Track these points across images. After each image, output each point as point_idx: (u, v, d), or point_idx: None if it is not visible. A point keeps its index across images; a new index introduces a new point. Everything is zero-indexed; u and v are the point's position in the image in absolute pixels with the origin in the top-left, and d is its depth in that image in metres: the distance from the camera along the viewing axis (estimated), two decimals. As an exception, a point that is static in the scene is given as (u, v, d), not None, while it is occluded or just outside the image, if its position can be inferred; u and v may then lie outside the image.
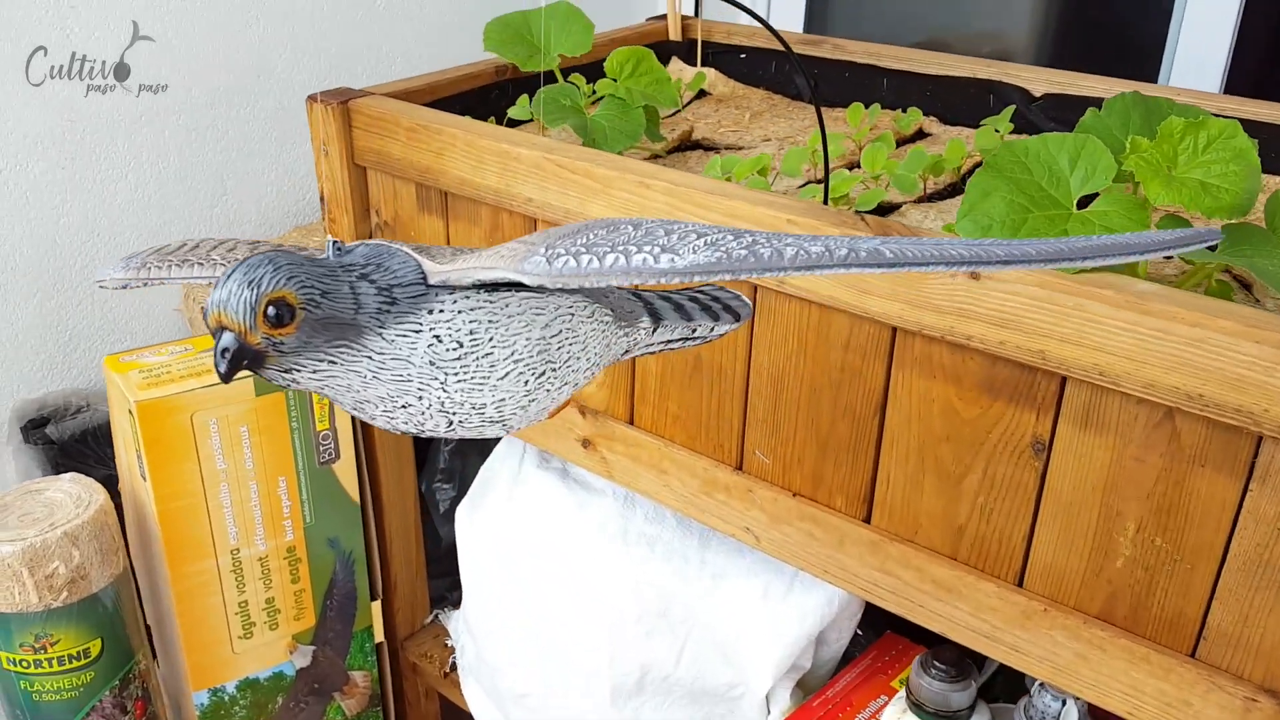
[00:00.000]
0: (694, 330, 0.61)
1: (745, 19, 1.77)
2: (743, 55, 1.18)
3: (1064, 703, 0.77)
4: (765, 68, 1.17)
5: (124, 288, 0.54)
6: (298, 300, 0.44)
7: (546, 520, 0.99)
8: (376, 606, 1.13)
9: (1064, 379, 0.63)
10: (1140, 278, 0.68)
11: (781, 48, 1.14)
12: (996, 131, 0.93)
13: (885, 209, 0.85)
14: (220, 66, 1.22)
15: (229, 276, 0.44)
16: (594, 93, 0.91)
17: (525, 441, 1.02)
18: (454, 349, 0.48)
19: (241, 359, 0.44)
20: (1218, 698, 0.63)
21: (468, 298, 0.48)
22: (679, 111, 1.11)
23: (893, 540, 0.74)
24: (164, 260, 0.54)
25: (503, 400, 0.50)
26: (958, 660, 0.79)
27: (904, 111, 1.03)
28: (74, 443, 1.15)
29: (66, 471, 1.11)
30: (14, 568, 0.89)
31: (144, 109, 1.17)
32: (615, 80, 0.91)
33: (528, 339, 0.50)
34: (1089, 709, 0.77)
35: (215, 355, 0.44)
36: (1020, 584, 0.70)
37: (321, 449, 1.03)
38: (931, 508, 0.72)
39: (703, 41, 1.19)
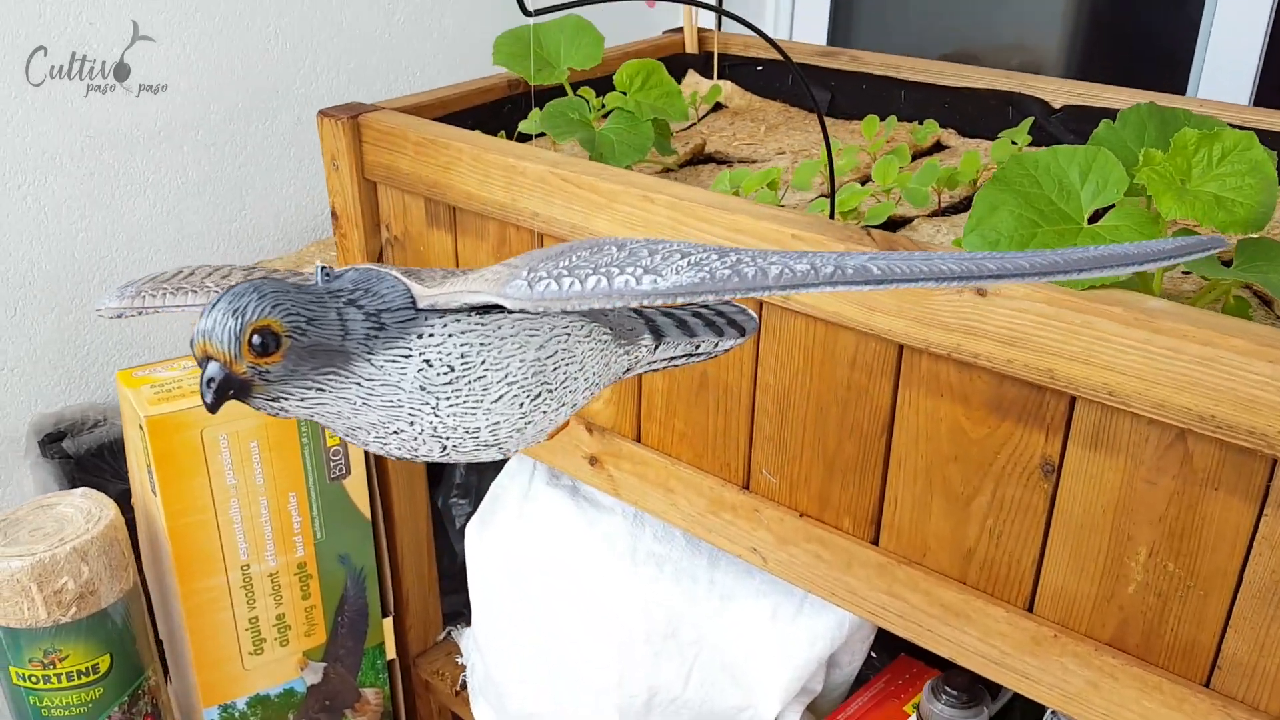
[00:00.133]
0: (698, 346, 0.60)
1: (740, 29, 1.76)
2: (759, 68, 1.17)
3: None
4: (782, 80, 1.15)
5: (119, 316, 0.54)
6: (283, 328, 0.43)
7: (556, 538, 0.97)
8: (388, 623, 1.12)
9: (1073, 399, 0.61)
10: (1155, 294, 0.66)
11: (793, 60, 1.13)
12: (1014, 143, 0.91)
13: (897, 223, 0.83)
14: (239, 82, 1.23)
15: (214, 306, 0.44)
16: (603, 106, 0.90)
17: (535, 459, 1.02)
18: (445, 373, 0.47)
19: (227, 388, 0.44)
20: (1234, 729, 0.60)
21: (458, 321, 0.47)
22: (695, 124, 1.10)
23: (901, 563, 0.72)
24: (159, 289, 0.54)
25: (497, 423, 0.49)
26: (969, 686, 0.77)
27: (920, 124, 1.01)
28: (90, 457, 1.16)
29: (84, 486, 1.11)
30: (23, 583, 0.89)
31: (162, 125, 1.18)
32: (625, 94, 0.90)
33: (522, 360, 0.49)
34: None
35: (201, 385, 0.44)
36: (1030, 609, 0.68)
37: (332, 465, 1.02)
38: (940, 530, 0.70)
39: (720, 54, 1.18)
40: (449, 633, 1.21)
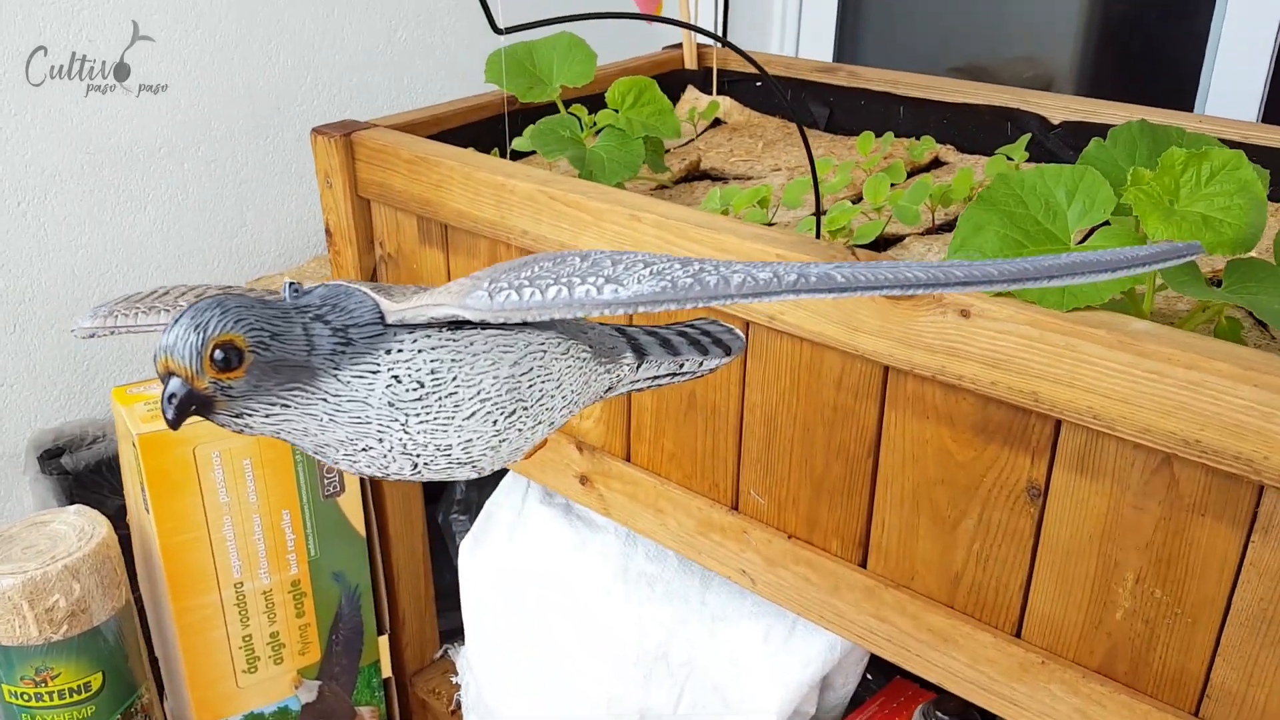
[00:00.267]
0: (682, 365, 0.60)
1: (763, 46, 1.76)
2: (758, 84, 1.16)
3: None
4: (781, 96, 1.15)
5: (91, 336, 0.54)
6: (246, 343, 0.43)
7: (549, 557, 0.97)
8: (384, 641, 1.12)
9: (1058, 422, 0.60)
10: (1145, 315, 0.65)
11: (793, 76, 1.13)
12: (1009, 160, 0.90)
13: (889, 241, 0.82)
14: (239, 99, 1.23)
15: (176, 321, 0.43)
16: (594, 124, 0.89)
17: (527, 478, 1.01)
18: (414, 389, 0.46)
19: (189, 405, 0.43)
20: (1223, 760, 0.59)
21: (429, 337, 0.47)
22: (693, 140, 1.10)
23: (888, 586, 0.71)
24: (131, 308, 0.53)
25: (470, 441, 0.49)
26: (962, 711, 0.76)
27: (918, 140, 1.00)
28: (89, 473, 1.16)
29: (82, 502, 1.11)
30: (14, 600, 0.89)
31: (162, 142, 1.18)
32: (617, 111, 0.89)
33: (495, 377, 0.48)
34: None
35: (161, 401, 0.43)
36: (1018, 634, 0.67)
37: (326, 482, 1.02)
38: (927, 553, 0.69)
39: (719, 70, 1.18)
40: (446, 651, 1.20)
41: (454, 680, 1.15)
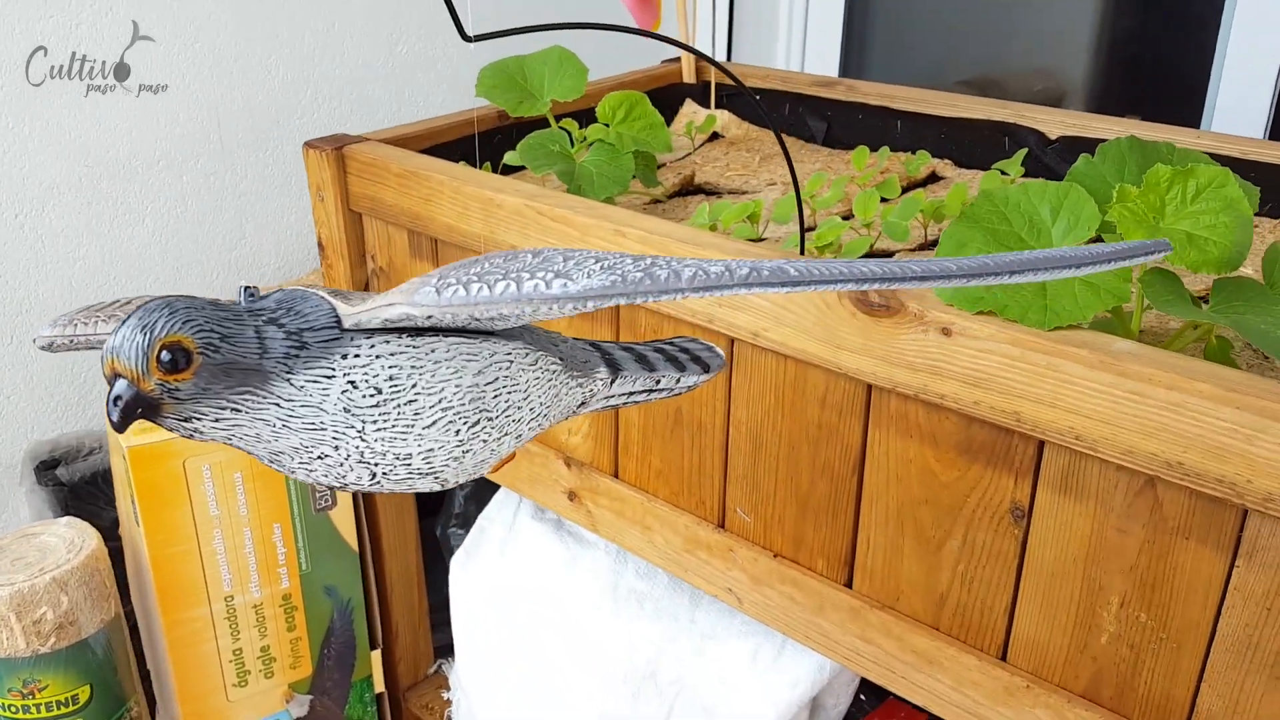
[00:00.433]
0: (658, 382, 0.59)
1: (768, 60, 1.75)
2: (757, 97, 1.15)
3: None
4: (779, 110, 1.14)
5: (49, 347, 0.53)
6: (194, 344, 0.42)
7: (539, 573, 0.96)
8: (376, 656, 1.11)
9: (1041, 443, 0.60)
10: (1133, 334, 0.64)
11: (791, 90, 1.12)
12: (1005, 175, 0.89)
13: (879, 257, 0.81)
14: (240, 111, 1.23)
15: (124, 322, 0.42)
16: (584, 138, 0.89)
17: (517, 493, 1.00)
18: (371, 395, 0.45)
19: (135, 407, 0.42)
20: (1209, 789, 0.58)
21: (387, 342, 0.46)
22: (690, 154, 1.10)
23: (873, 607, 0.70)
24: (91, 317, 0.53)
25: (431, 450, 0.48)
26: (950, 733, 0.75)
27: (914, 154, 1.00)
28: (84, 484, 1.16)
29: (77, 513, 1.11)
30: (2, 612, 0.89)
31: (161, 154, 1.18)
32: (608, 125, 0.89)
33: (458, 386, 0.47)
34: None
35: (106, 404, 0.42)
36: (1003, 657, 0.66)
37: (318, 495, 1.01)
38: (912, 574, 0.68)
39: (717, 84, 1.18)
40: (440, 666, 1.19)
41: (445, 696, 1.15)
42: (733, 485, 0.76)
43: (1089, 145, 0.94)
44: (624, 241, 0.73)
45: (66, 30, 1.09)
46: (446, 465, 0.48)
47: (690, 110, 1.17)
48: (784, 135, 1.14)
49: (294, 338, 0.45)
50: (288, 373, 0.44)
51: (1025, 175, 0.92)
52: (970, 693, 0.67)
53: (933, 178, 1.01)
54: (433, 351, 0.46)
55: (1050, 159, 0.97)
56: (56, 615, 0.90)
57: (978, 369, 0.59)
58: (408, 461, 0.47)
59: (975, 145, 1.02)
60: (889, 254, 0.82)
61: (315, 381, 0.45)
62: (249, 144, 1.25)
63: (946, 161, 1.03)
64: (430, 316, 0.43)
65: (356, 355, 0.45)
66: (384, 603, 1.11)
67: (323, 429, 0.45)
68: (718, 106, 1.18)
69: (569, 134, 0.89)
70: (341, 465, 0.46)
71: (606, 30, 0.63)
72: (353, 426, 0.45)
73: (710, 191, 0.99)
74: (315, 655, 1.07)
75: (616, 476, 0.84)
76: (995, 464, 0.62)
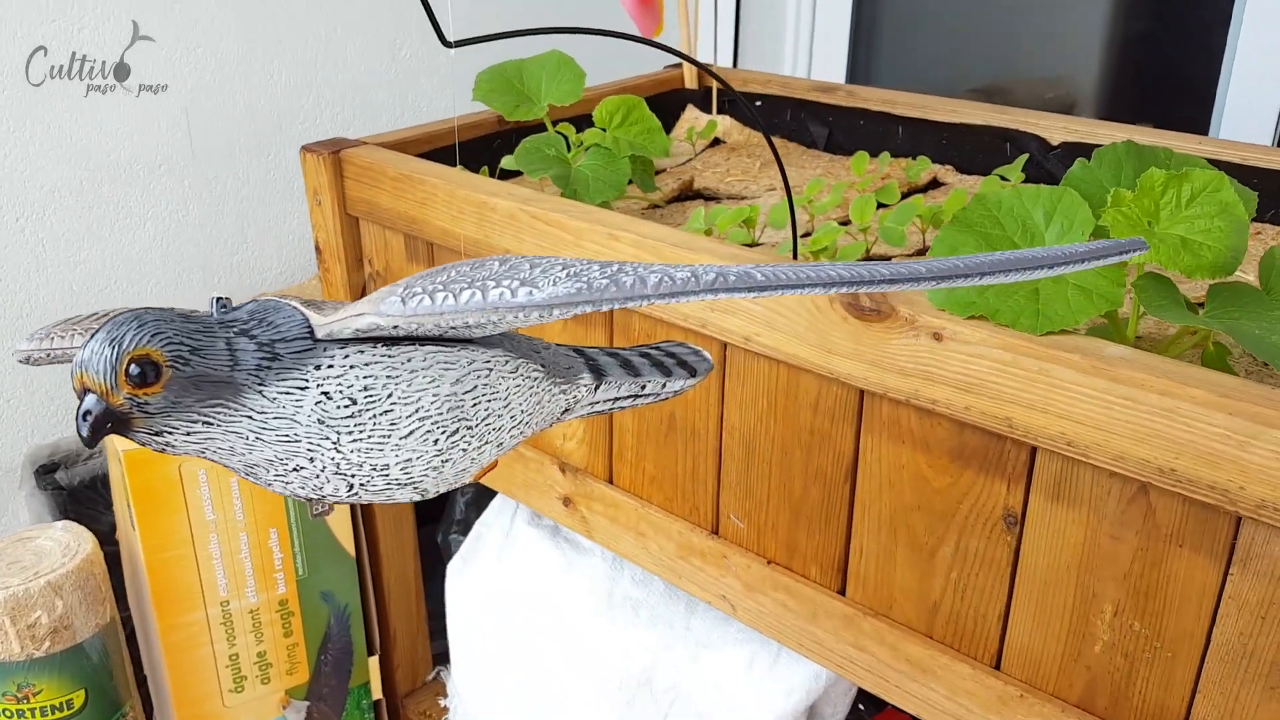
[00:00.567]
0: (644, 387, 0.58)
1: (775, 67, 1.75)
2: (758, 103, 1.15)
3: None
4: (780, 115, 1.14)
5: (27, 360, 0.53)
6: (163, 358, 0.42)
7: (535, 579, 0.96)
8: (374, 662, 1.11)
9: (1033, 449, 0.59)
10: (1129, 340, 0.63)
11: (792, 96, 1.12)
12: (1004, 180, 0.88)
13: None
14: (242, 116, 1.23)
15: (93, 336, 0.42)
16: (581, 143, 0.89)
17: (514, 499, 1.00)
18: (345, 406, 0.45)
19: (105, 422, 0.42)
20: (1203, 801, 0.57)
21: (362, 352, 0.45)
22: (691, 160, 1.09)
23: (867, 614, 0.70)
24: (68, 330, 0.52)
25: (409, 461, 0.47)
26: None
27: (914, 160, 0.99)
28: (84, 489, 1.15)
29: (76, 517, 1.11)
30: (-4, 616, 0.88)
31: (162, 159, 1.18)
32: (605, 130, 0.89)
33: (435, 395, 0.47)
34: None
35: (76, 419, 0.42)
36: (997, 666, 0.65)
37: (314, 502, 1.01)
38: (905, 581, 0.67)
39: (719, 89, 1.17)
40: (439, 673, 1.19)
41: (443, 703, 1.14)
42: (726, 491, 0.76)
43: (1091, 151, 0.93)
44: (617, 245, 0.73)
45: (66, 30, 1.08)
46: (425, 475, 0.48)
47: (692, 116, 1.17)
48: (786, 140, 1.13)
49: (266, 349, 0.44)
50: (260, 385, 0.44)
51: (1026, 181, 0.91)
52: (964, 702, 0.66)
53: (934, 184, 1.00)
54: (409, 361, 0.46)
55: (1052, 165, 0.96)
56: (51, 619, 0.90)
57: (969, 374, 0.59)
58: (385, 472, 0.47)
59: (977, 151, 1.01)
60: (885, 259, 0.81)
61: (288, 393, 0.44)
62: (251, 148, 1.25)
63: (948, 167, 1.02)
64: (397, 326, 0.42)
65: (330, 366, 0.44)
66: (381, 609, 1.11)
67: (297, 441, 0.45)
68: (720, 112, 1.17)
69: (565, 138, 0.89)
70: (318, 477, 0.46)
71: (592, 35, 0.62)
72: (327, 438, 0.45)
73: (709, 197, 0.99)
74: (312, 661, 1.07)
75: (611, 482, 0.83)
76: (988, 470, 0.61)
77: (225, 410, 0.44)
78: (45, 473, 1.15)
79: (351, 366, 0.45)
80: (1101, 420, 0.54)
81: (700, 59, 1.19)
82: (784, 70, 1.79)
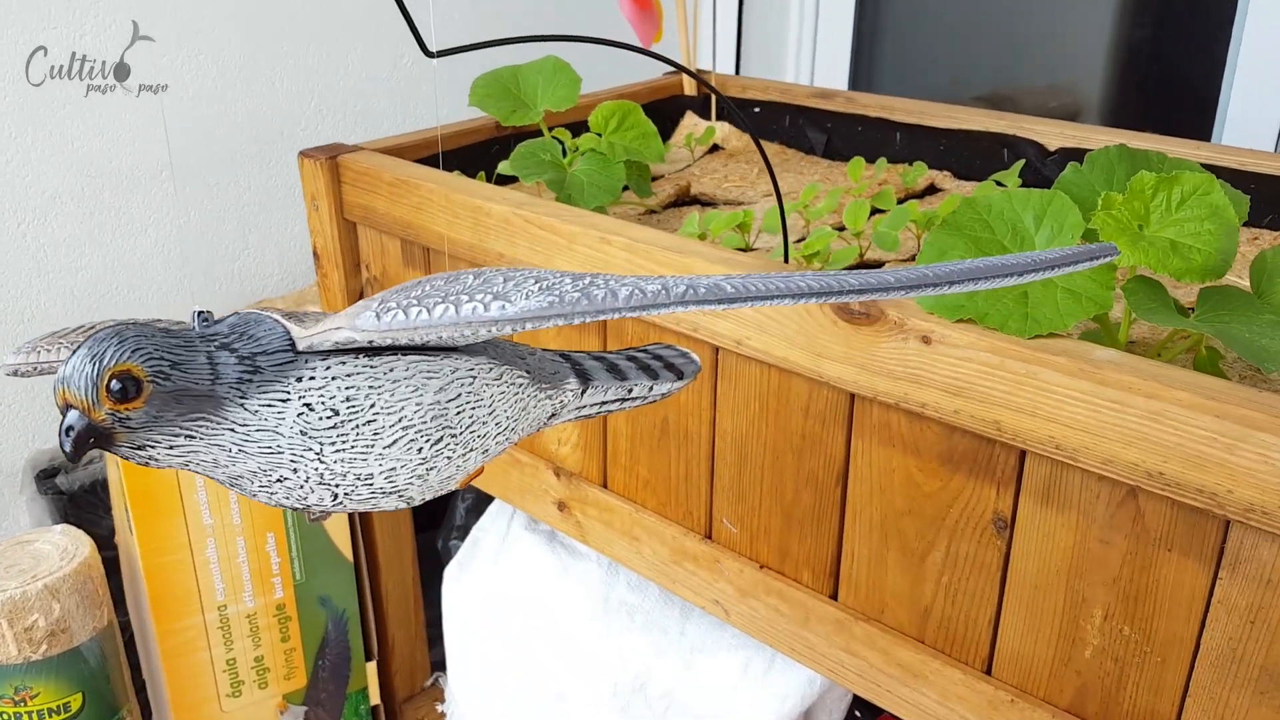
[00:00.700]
0: (630, 390, 0.58)
1: (779, 75, 1.75)
2: (757, 110, 1.15)
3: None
4: (779, 122, 1.14)
5: (14, 373, 0.53)
6: (144, 373, 0.42)
7: (531, 585, 0.96)
8: (372, 667, 1.11)
9: (1022, 453, 0.59)
10: (1120, 344, 0.63)
11: (791, 102, 1.12)
12: (1000, 185, 0.88)
13: (868, 267, 0.81)
14: (244, 123, 1.24)
15: (74, 352, 0.43)
16: (576, 148, 0.89)
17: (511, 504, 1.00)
18: (328, 417, 0.45)
19: (87, 437, 0.42)
20: (1193, 807, 0.57)
21: (343, 363, 0.46)
22: (689, 166, 1.09)
23: (858, 619, 0.70)
24: (55, 343, 0.53)
25: (393, 469, 0.48)
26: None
27: (910, 165, 0.99)
28: (84, 493, 1.16)
29: (76, 522, 1.12)
30: (-7, 619, 0.89)
31: (164, 165, 1.19)
32: (600, 135, 0.89)
33: (418, 404, 0.47)
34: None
35: (59, 435, 0.42)
36: (988, 671, 0.65)
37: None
38: (897, 585, 0.67)
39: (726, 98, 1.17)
40: (437, 679, 1.19)
41: (440, 709, 1.14)
42: (719, 495, 0.76)
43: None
44: (609, 249, 0.73)
45: (66, 30, 1.09)
46: (410, 483, 0.48)
47: (691, 122, 1.17)
48: (785, 147, 1.14)
49: (247, 362, 0.44)
50: (241, 398, 0.44)
51: (1023, 186, 0.91)
52: (956, 707, 0.66)
53: (931, 189, 1.00)
54: (391, 371, 0.46)
55: (1049, 170, 0.96)
56: (48, 622, 0.90)
57: (957, 377, 0.59)
58: (369, 481, 0.47)
59: (974, 157, 1.01)
60: (879, 264, 0.81)
61: (270, 405, 0.44)
62: (253, 155, 1.26)
63: (945, 173, 1.02)
64: (372, 341, 0.43)
65: (311, 378, 0.45)
66: (379, 614, 1.11)
67: (280, 452, 0.45)
68: (720, 119, 1.17)
69: (561, 143, 0.89)
70: (302, 487, 0.46)
71: (578, 42, 0.63)
72: (310, 449, 0.45)
73: (706, 203, 0.99)
74: (310, 666, 1.07)
75: (605, 487, 0.83)
76: (977, 474, 0.61)
77: (207, 424, 0.44)
78: (46, 477, 1.16)
79: (333, 378, 0.45)
80: (1089, 423, 0.54)
81: (700, 66, 1.19)
82: (787, 78, 1.79)
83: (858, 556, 0.69)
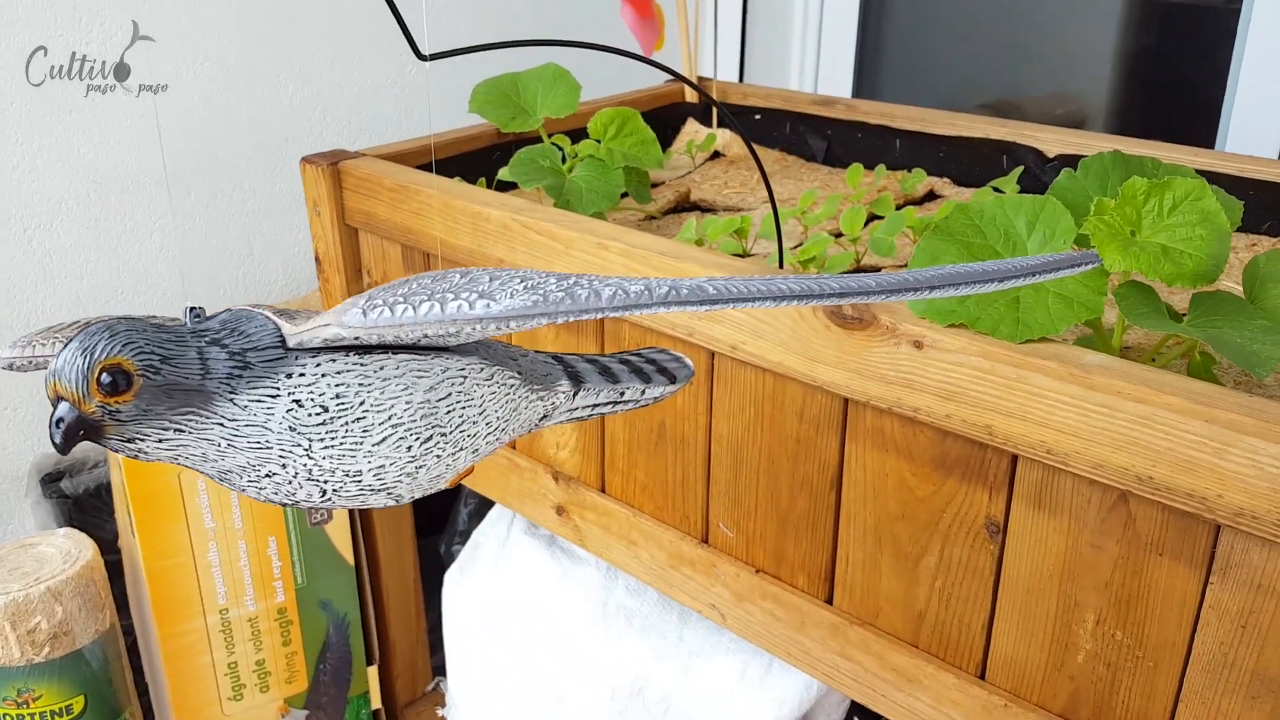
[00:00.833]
0: (622, 394, 0.59)
1: (782, 83, 1.75)
2: (757, 116, 1.16)
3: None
4: (780, 129, 1.14)
5: (10, 368, 0.54)
6: (135, 367, 0.43)
7: (530, 589, 0.96)
8: (373, 671, 1.11)
9: (1014, 457, 0.59)
10: (1114, 349, 0.63)
11: (792, 109, 1.12)
12: (998, 191, 0.88)
13: (865, 273, 0.81)
14: (248, 130, 1.25)
15: (66, 346, 0.43)
16: (576, 154, 0.89)
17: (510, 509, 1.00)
18: (317, 414, 0.46)
19: (77, 429, 0.43)
20: (1185, 812, 0.57)
21: (333, 360, 0.46)
22: (690, 173, 1.10)
23: (853, 623, 0.70)
24: (49, 338, 0.53)
25: (382, 467, 0.48)
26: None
27: (909, 172, 0.99)
28: (88, 497, 1.16)
29: (80, 526, 1.12)
30: (-4, 622, 0.89)
31: (170, 170, 1.19)
32: (599, 141, 0.89)
33: (408, 403, 0.47)
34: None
35: (50, 426, 0.43)
36: (982, 676, 0.65)
37: (312, 511, 1.02)
38: (891, 590, 0.67)
39: (719, 103, 1.18)
40: (438, 683, 1.19)
41: (441, 713, 1.14)
42: (715, 500, 0.76)
43: (1087, 163, 0.94)
44: (606, 254, 0.73)
45: (66, 30, 1.09)
46: (399, 481, 0.49)
47: (692, 129, 1.18)
48: (786, 154, 1.14)
49: (237, 358, 0.45)
50: (231, 393, 0.45)
51: (1022, 193, 0.91)
52: (950, 711, 0.66)
53: (931, 196, 1.00)
54: (381, 369, 0.47)
55: (1048, 177, 0.96)
56: (51, 625, 0.91)
57: (949, 382, 0.59)
58: (358, 478, 0.47)
59: (974, 164, 1.01)
60: (875, 269, 0.81)
61: (259, 401, 0.45)
62: (257, 161, 1.27)
63: (945, 180, 1.03)
64: (358, 338, 0.43)
65: (301, 374, 0.45)
66: (381, 618, 1.11)
67: (269, 448, 0.45)
68: (721, 126, 1.18)
69: (560, 150, 0.90)
70: (291, 483, 0.47)
71: (572, 47, 0.63)
72: (299, 445, 0.46)
73: (706, 209, 0.99)
74: (311, 670, 1.07)
75: (603, 491, 0.84)
76: (970, 478, 0.61)
77: (197, 418, 0.44)
78: (50, 481, 1.17)
79: (323, 375, 0.46)
80: (1080, 428, 0.55)
81: (702, 73, 1.20)
82: (791, 85, 1.80)
83: (852, 561, 0.69)
